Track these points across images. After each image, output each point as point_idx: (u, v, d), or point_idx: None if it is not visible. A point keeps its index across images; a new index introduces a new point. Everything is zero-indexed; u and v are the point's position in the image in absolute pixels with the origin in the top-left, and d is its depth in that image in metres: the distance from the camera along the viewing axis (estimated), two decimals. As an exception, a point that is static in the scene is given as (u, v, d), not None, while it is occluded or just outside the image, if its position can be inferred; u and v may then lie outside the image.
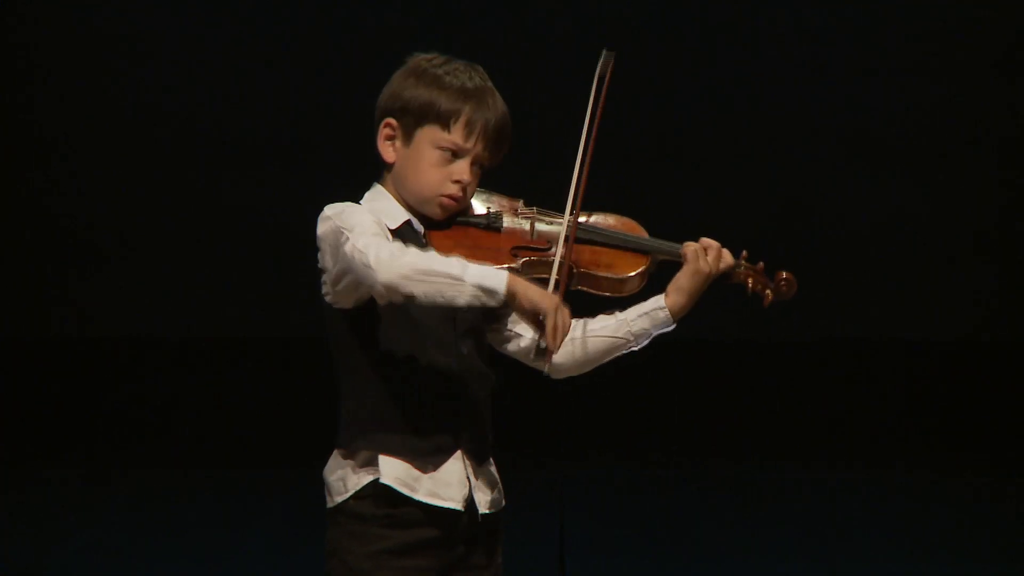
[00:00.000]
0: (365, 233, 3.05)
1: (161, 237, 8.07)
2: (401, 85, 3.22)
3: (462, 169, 3.19)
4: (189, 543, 6.34)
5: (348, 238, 3.04)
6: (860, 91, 8.04)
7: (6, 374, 8.01)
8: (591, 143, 3.19)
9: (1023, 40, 8.01)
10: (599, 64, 3.24)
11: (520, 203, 3.29)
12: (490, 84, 3.23)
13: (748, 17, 8.01)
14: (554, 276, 3.13)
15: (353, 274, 3.03)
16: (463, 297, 2.97)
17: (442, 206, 3.21)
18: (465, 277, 2.96)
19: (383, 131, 3.23)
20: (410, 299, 2.98)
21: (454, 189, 3.19)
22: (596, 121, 3.20)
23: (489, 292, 2.97)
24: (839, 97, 8.05)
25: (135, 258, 8.08)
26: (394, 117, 3.21)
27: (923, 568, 6.14)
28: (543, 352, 3.05)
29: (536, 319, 3.01)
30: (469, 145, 3.19)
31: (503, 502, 3.29)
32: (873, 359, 8.14)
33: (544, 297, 3.00)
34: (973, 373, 8.09)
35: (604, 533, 6.54)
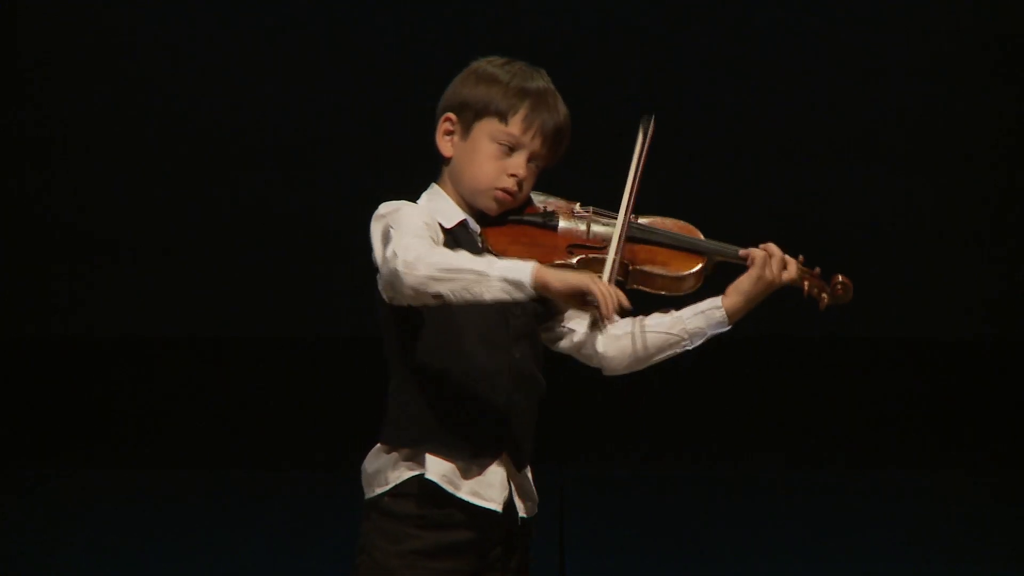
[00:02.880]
0: (406, 235, 3.06)
1: (161, 237, 8.06)
2: (462, 83, 3.25)
3: (518, 163, 3.21)
4: (190, 543, 6.34)
5: (391, 239, 3.06)
6: (860, 91, 8.04)
7: (6, 373, 8.01)
8: (639, 173, 3.23)
9: (1022, 41, 8.01)
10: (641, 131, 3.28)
11: (576, 205, 3.31)
12: (552, 86, 3.26)
13: (751, 17, 8.01)
14: (610, 261, 3.15)
15: (385, 278, 3.05)
16: (490, 292, 2.97)
17: (497, 199, 3.22)
18: (490, 272, 2.97)
19: (442, 126, 3.25)
20: (439, 299, 2.99)
21: (509, 183, 3.21)
22: (642, 164, 3.24)
23: (516, 284, 2.96)
24: (839, 97, 8.05)
25: (135, 258, 8.07)
26: (454, 112, 3.24)
27: (923, 568, 6.14)
28: (599, 325, 3.06)
29: (581, 298, 3.00)
30: (526, 139, 3.21)
31: (536, 508, 3.31)
32: (875, 359, 8.14)
33: (578, 275, 3.01)
34: (974, 373, 8.09)
35: (604, 533, 6.54)
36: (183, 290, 8.07)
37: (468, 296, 2.97)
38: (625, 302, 3.03)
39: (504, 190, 3.21)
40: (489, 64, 3.26)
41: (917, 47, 8.00)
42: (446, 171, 3.26)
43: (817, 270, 3.37)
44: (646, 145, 3.26)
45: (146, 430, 7.81)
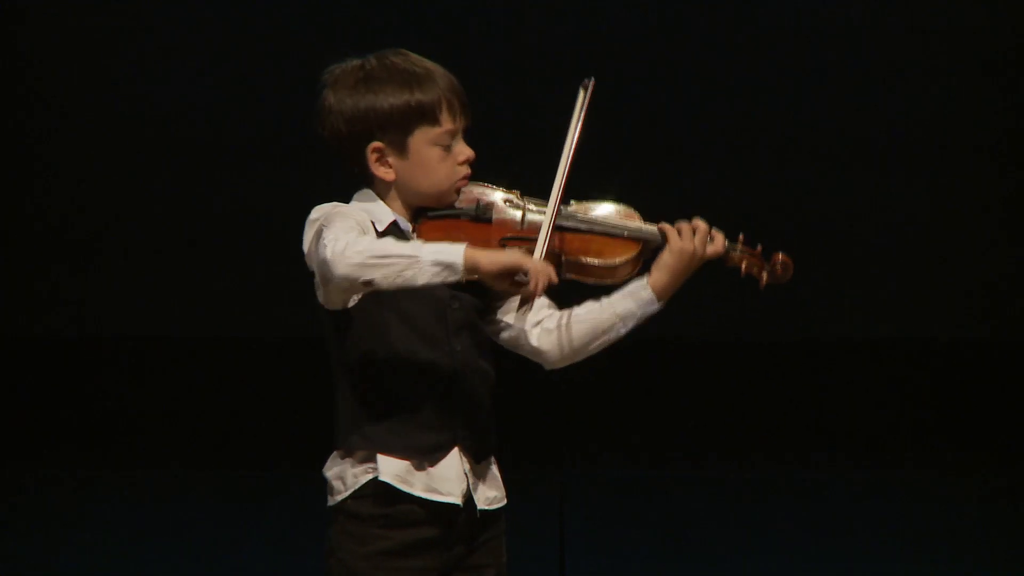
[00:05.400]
0: (334, 228, 3.04)
1: (161, 236, 8.06)
2: (356, 102, 3.17)
3: (462, 149, 3.21)
4: (189, 543, 6.34)
5: (321, 237, 3.04)
6: (858, 91, 8.04)
7: (4, 373, 8.01)
8: (575, 141, 3.21)
9: (1021, 41, 8.01)
10: (582, 91, 3.26)
11: (516, 194, 3.28)
12: (418, 57, 3.22)
13: (746, 17, 8.01)
14: (542, 237, 3.12)
15: (317, 272, 3.04)
16: (422, 275, 2.96)
17: (459, 190, 3.23)
18: (421, 255, 2.96)
19: (371, 156, 3.18)
20: (369, 286, 2.97)
21: (465, 170, 3.22)
22: (578, 130, 3.22)
23: (447, 266, 2.96)
24: (838, 97, 8.05)
25: (134, 257, 8.07)
26: (376, 139, 3.18)
27: (923, 568, 6.14)
28: (528, 303, 3.06)
29: (511, 278, 3.00)
30: (459, 124, 3.20)
31: (505, 500, 3.30)
32: (873, 359, 8.14)
33: (510, 253, 3.02)
34: (973, 373, 8.09)
35: (604, 533, 6.54)
36: (183, 290, 8.08)
37: (400, 281, 2.95)
38: (554, 278, 3.03)
39: (463, 177, 3.22)
40: (363, 72, 3.18)
41: (918, 47, 8.01)
42: (381, 185, 3.21)
43: (759, 248, 3.33)
44: (583, 113, 3.22)
45: (146, 430, 7.81)
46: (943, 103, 8.02)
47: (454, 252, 2.96)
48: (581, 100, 3.24)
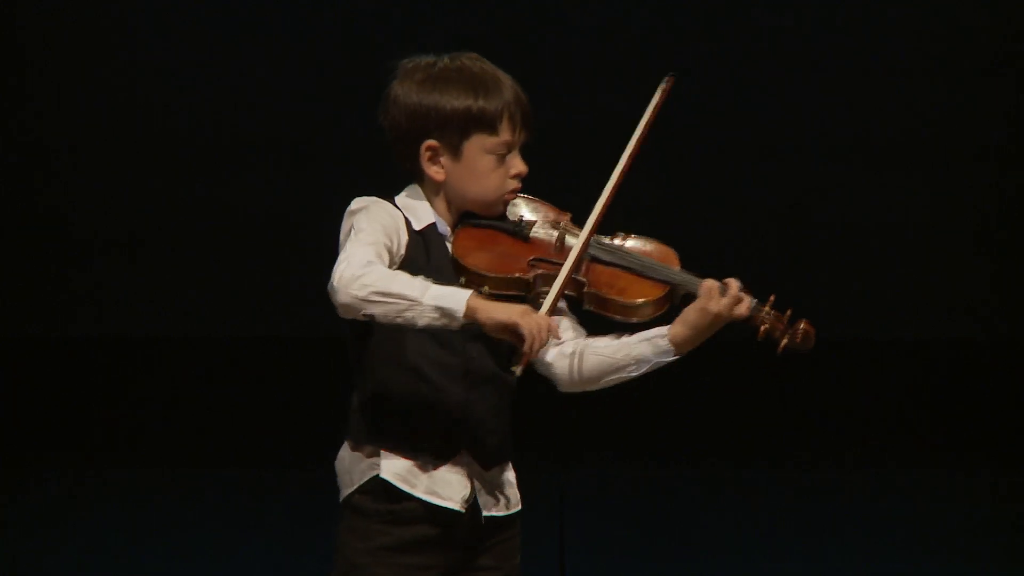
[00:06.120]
0: (359, 243, 3.05)
1: (160, 236, 8.06)
2: (420, 99, 3.18)
3: (517, 163, 3.21)
4: (189, 543, 6.34)
5: (343, 246, 3.07)
6: (859, 92, 8.03)
7: (5, 373, 8.00)
8: (628, 164, 3.22)
9: (1021, 41, 8.01)
10: (659, 89, 3.26)
11: (566, 217, 3.28)
12: (493, 66, 3.22)
13: (746, 18, 8.00)
14: (554, 291, 3.12)
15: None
16: (423, 319, 2.98)
17: (506, 202, 3.24)
18: (424, 299, 2.97)
19: (424, 154, 3.19)
20: (370, 318, 3.00)
21: (515, 184, 3.22)
22: (639, 142, 3.23)
23: (448, 314, 2.98)
24: (838, 98, 8.04)
25: (134, 257, 8.07)
26: (432, 137, 3.18)
27: (923, 568, 6.14)
28: (521, 358, 3.04)
29: (509, 332, 3.01)
30: (518, 139, 3.20)
31: (519, 507, 3.29)
32: (873, 359, 8.13)
33: (508, 309, 3.00)
34: (973, 373, 8.08)
35: (604, 533, 6.54)
36: (183, 290, 8.07)
37: (400, 321, 2.98)
38: (557, 335, 3.06)
39: (513, 191, 3.22)
40: (434, 70, 3.19)
41: (917, 47, 8.00)
42: (429, 183, 3.22)
43: (788, 312, 3.29)
44: (626, 166, 3.24)
45: (146, 430, 7.80)
46: (943, 103, 8.02)
47: (457, 300, 2.98)
48: (656, 101, 3.23)
